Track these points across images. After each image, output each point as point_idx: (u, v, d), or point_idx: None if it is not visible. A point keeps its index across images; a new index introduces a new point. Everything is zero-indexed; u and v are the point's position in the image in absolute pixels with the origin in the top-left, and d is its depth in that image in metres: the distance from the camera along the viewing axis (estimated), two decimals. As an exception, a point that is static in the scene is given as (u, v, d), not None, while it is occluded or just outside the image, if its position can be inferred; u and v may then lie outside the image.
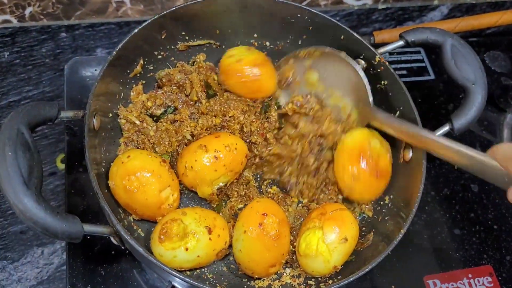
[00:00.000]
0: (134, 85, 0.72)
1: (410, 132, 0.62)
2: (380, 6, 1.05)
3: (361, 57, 0.73)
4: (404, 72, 0.96)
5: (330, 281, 0.62)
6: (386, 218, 0.68)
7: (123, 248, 0.58)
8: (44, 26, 0.91)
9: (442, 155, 0.58)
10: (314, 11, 0.73)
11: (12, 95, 0.86)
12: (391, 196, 0.70)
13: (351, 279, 0.57)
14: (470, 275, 0.77)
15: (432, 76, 0.97)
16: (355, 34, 0.72)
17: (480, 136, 0.93)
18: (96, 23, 0.93)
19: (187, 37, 0.76)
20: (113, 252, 0.70)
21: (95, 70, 0.86)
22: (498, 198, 0.86)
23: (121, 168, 0.61)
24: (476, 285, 0.77)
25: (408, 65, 0.97)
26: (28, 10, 0.88)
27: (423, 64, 0.98)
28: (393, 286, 0.74)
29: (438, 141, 0.58)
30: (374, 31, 1.01)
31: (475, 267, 0.78)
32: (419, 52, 1.00)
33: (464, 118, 0.69)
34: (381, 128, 0.67)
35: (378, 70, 0.72)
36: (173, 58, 0.77)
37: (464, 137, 0.92)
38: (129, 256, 0.70)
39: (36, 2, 0.87)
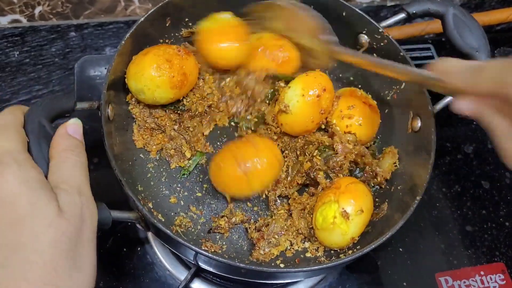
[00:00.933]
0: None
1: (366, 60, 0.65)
2: (389, 3, 1.04)
3: (364, 32, 0.73)
4: (414, 68, 0.96)
5: (350, 251, 0.62)
6: (398, 187, 0.67)
7: (148, 232, 0.58)
8: (53, 26, 0.91)
9: (388, 74, 0.63)
10: None
11: (22, 94, 0.86)
12: (403, 166, 0.69)
13: (372, 246, 0.57)
14: (482, 272, 0.77)
15: (442, 73, 0.96)
16: (357, 10, 0.73)
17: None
18: (105, 22, 0.93)
19: (190, 23, 0.76)
20: (125, 249, 0.70)
21: (105, 68, 0.86)
22: (510, 194, 0.85)
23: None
24: (488, 282, 0.76)
25: (418, 61, 0.96)
26: (37, 10, 0.88)
27: (433, 61, 0.98)
28: (404, 283, 0.74)
29: (386, 63, 0.62)
30: (382, 28, 1.01)
31: (487, 264, 0.78)
32: (428, 49, 0.99)
33: None
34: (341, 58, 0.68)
35: (382, 44, 0.73)
36: (178, 44, 0.77)
37: (474, 133, 0.92)
38: (140, 253, 0.70)
39: (46, 1, 0.87)
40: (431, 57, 0.98)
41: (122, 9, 0.92)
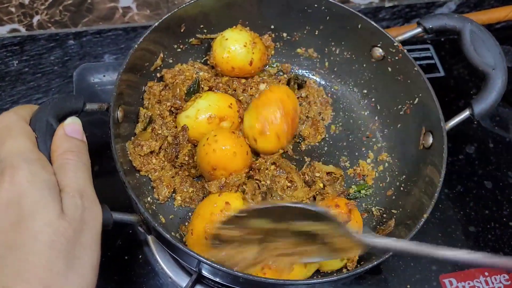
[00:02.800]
0: (155, 79, 0.73)
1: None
2: (387, 4, 1.04)
3: (379, 45, 0.73)
4: (413, 69, 0.95)
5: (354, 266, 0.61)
6: (406, 204, 0.68)
7: (149, 236, 0.57)
8: (52, 34, 0.91)
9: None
10: (331, 0, 0.73)
11: (22, 103, 0.86)
12: (413, 182, 0.69)
13: (375, 263, 0.57)
14: (486, 273, 0.76)
15: (442, 73, 0.96)
16: (372, 23, 0.72)
17: (492, 132, 0.91)
18: (103, 30, 0.93)
19: (205, 30, 0.76)
20: (126, 257, 0.70)
21: (104, 76, 0.87)
22: (513, 194, 0.85)
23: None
24: (493, 283, 0.75)
25: (417, 62, 0.95)
26: (35, 19, 0.89)
27: (433, 61, 0.97)
28: (408, 286, 0.73)
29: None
30: (381, 29, 1.00)
31: (491, 265, 0.77)
32: (428, 49, 0.99)
33: (484, 103, 0.69)
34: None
35: (396, 58, 0.72)
36: (192, 51, 0.77)
37: (476, 133, 0.91)
38: (142, 260, 0.70)
39: (44, 10, 0.87)
40: (431, 58, 0.98)
41: (120, 16, 0.92)
